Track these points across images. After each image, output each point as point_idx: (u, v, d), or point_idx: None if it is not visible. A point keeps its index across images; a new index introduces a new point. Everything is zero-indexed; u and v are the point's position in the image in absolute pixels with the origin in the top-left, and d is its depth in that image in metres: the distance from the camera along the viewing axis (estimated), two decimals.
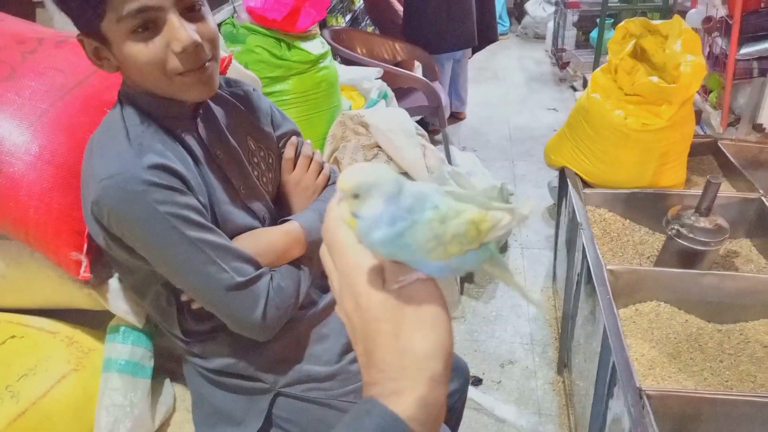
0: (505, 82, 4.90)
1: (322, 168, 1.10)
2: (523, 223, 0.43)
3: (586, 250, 1.40)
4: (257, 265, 0.92)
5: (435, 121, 3.29)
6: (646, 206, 1.65)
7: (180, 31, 0.80)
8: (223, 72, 1.33)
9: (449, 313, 0.42)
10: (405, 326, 0.40)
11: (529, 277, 2.45)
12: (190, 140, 0.91)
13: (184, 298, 0.95)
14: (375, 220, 0.39)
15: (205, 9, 0.86)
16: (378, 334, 0.40)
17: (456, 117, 4.08)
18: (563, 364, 1.91)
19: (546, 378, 1.95)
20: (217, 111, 0.98)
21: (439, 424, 0.40)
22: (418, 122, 2.35)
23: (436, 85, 3.16)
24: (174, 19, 0.80)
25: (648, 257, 1.56)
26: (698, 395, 1.07)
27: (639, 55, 1.64)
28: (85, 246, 0.99)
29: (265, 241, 0.96)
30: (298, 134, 1.12)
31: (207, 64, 0.85)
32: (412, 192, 0.40)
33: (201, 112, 0.94)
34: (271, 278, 0.93)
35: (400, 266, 0.42)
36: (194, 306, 0.95)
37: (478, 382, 1.95)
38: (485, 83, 4.85)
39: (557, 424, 1.77)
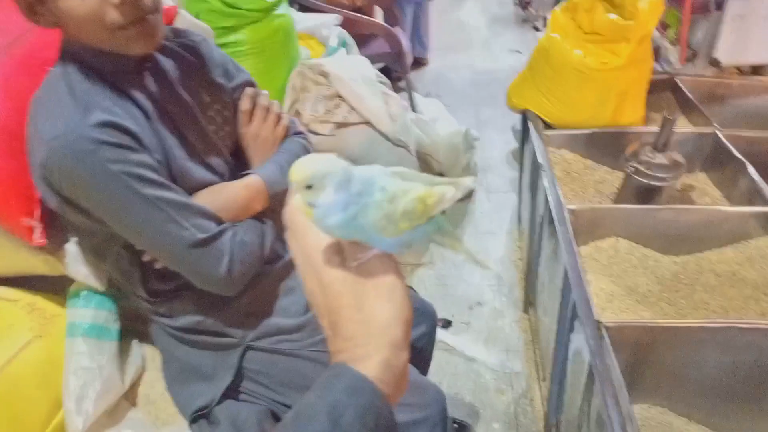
0: (467, 25, 4.81)
1: (280, 118, 1.07)
2: (468, 194, 0.45)
3: (547, 191, 1.42)
4: (219, 221, 0.91)
5: (397, 68, 3.23)
6: (606, 145, 1.67)
7: None
8: (169, 23, 1.27)
9: (405, 284, 0.46)
10: (366, 299, 0.44)
11: (495, 221, 2.48)
12: (139, 96, 0.88)
13: (146, 257, 0.93)
14: (329, 207, 0.42)
15: None
16: (341, 308, 0.44)
17: (419, 63, 4.00)
18: (529, 303, 1.97)
19: (513, 317, 2.01)
20: (167, 63, 0.94)
21: (402, 386, 0.44)
22: (380, 69, 2.30)
23: (398, 30, 3.08)
24: None
25: (608, 195, 1.60)
26: (654, 325, 1.12)
27: None
28: (38, 211, 0.96)
29: (225, 196, 0.95)
30: (253, 85, 1.08)
31: (149, 16, 0.81)
32: (360, 177, 0.43)
33: (148, 65, 0.90)
34: (234, 233, 0.93)
35: (358, 245, 0.45)
36: (158, 265, 0.94)
37: (447, 324, 2.00)
38: (448, 27, 4.75)
39: (524, 360, 1.84)
